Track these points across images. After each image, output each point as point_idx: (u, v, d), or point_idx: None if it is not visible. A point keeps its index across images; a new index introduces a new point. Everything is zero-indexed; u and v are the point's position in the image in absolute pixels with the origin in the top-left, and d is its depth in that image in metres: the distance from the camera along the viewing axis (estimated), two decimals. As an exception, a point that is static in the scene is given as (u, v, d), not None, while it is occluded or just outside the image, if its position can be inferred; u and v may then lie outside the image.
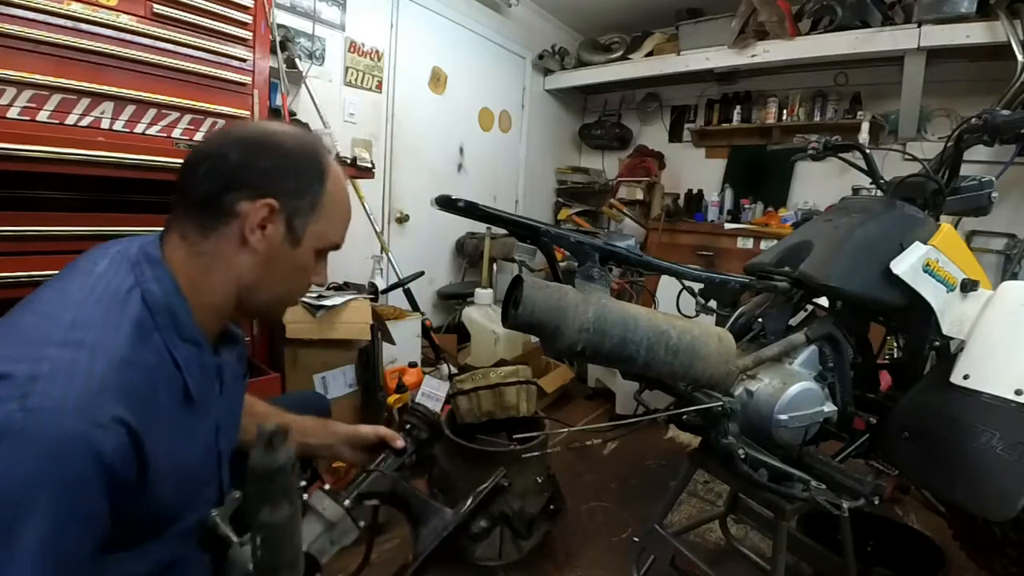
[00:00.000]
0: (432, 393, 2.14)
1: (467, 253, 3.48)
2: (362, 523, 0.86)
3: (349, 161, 2.05)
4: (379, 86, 2.88)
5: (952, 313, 1.20)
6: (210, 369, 0.71)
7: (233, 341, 0.79)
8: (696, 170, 4.07)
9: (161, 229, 0.69)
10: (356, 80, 2.76)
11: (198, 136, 1.51)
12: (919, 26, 2.60)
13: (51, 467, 0.49)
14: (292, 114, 2.13)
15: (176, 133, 1.47)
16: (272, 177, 0.67)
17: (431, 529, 0.92)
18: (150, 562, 0.70)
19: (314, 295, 1.89)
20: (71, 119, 1.27)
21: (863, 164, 1.48)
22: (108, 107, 1.32)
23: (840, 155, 1.54)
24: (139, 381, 0.58)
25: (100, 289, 0.60)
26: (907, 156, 1.85)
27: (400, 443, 0.98)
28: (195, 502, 0.75)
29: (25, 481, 0.48)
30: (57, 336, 0.55)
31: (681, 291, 1.29)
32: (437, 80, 3.28)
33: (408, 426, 1.01)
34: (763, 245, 3.17)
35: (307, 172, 0.70)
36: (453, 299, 3.32)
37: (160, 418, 0.61)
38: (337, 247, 0.78)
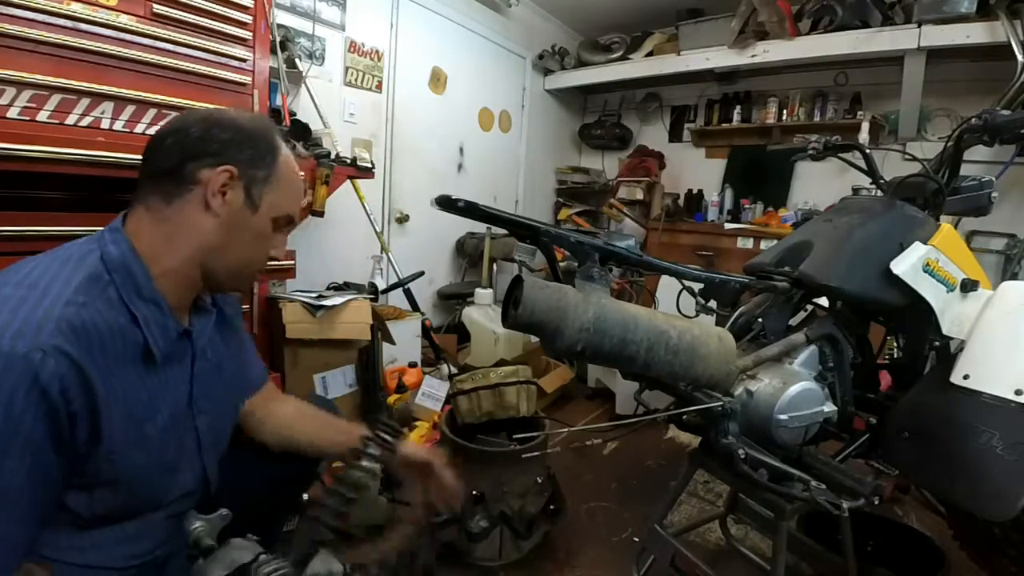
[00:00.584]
0: (432, 393, 2.15)
1: (467, 253, 3.48)
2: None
3: (349, 161, 2.05)
4: (379, 86, 2.88)
5: (952, 313, 1.20)
6: (172, 332, 0.73)
7: (204, 310, 0.82)
8: (696, 170, 4.07)
9: None
10: (356, 80, 2.76)
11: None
12: (919, 26, 2.60)
13: None
14: (292, 114, 2.13)
15: (176, 133, 1.46)
16: (230, 148, 0.72)
17: None
18: (141, 548, 0.72)
19: (314, 295, 1.89)
20: (71, 119, 1.27)
21: (863, 164, 1.48)
22: (108, 107, 1.32)
23: (840, 155, 1.54)
24: (88, 323, 0.61)
25: (62, 253, 0.67)
26: (907, 156, 1.85)
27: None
28: (169, 485, 0.76)
29: None
30: (12, 280, 0.61)
31: (681, 291, 1.29)
32: (437, 80, 3.28)
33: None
34: (763, 245, 3.17)
35: (261, 146, 0.76)
36: (453, 299, 3.32)
37: (114, 366, 0.64)
38: (292, 220, 0.82)
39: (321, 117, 2.26)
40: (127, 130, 1.36)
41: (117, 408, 0.63)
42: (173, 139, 0.72)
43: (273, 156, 0.76)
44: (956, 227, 1.33)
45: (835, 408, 1.16)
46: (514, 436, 1.31)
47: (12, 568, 0.57)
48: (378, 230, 2.60)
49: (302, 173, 0.84)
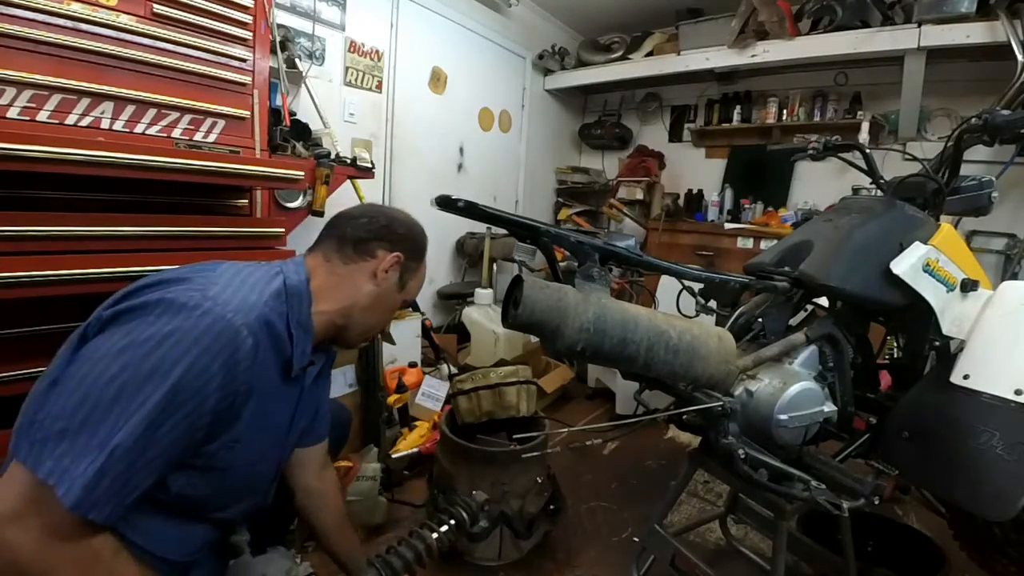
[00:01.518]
0: (432, 393, 2.15)
1: (467, 253, 3.48)
2: None
3: (349, 161, 2.05)
4: (379, 86, 2.88)
5: (952, 313, 1.20)
6: (306, 358, 0.86)
7: (325, 352, 0.98)
8: (696, 170, 4.07)
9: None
10: (356, 80, 2.76)
11: (198, 136, 1.51)
12: (919, 26, 2.60)
13: (202, 338, 0.65)
14: (292, 114, 2.13)
15: (176, 133, 1.46)
16: (403, 240, 0.94)
17: None
18: (184, 548, 0.79)
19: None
20: (71, 119, 1.27)
21: (863, 164, 1.48)
22: (108, 107, 1.32)
23: (840, 155, 1.54)
24: (271, 323, 0.75)
25: (258, 269, 0.82)
26: (907, 156, 1.85)
27: None
28: (248, 491, 0.85)
29: (183, 340, 0.64)
30: (227, 275, 0.76)
31: (681, 291, 1.29)
32: (437, 80, 3.28)
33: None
34: (763, 245, 3.17)
35: (419, 244, 0.99)
36: (453, 299, 3.31)
37: (270, 365, 0.77)
38: (411, 303, 1.07)
39: (321, 117, 2.26)
40: (127, 130, 1.36)
41: (257, 402, 0.75)
42: (366, 219, 0.93)
43: (423, 255, 1.00)
44: (956, 227, 1.33)
45: (835, 408, 1.16)
46: (514, 436, 1.31)
47: (119, 514, 0.63)
48: (378, 230, 2.59)
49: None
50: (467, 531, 1.08)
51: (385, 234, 0.93)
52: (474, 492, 1.14)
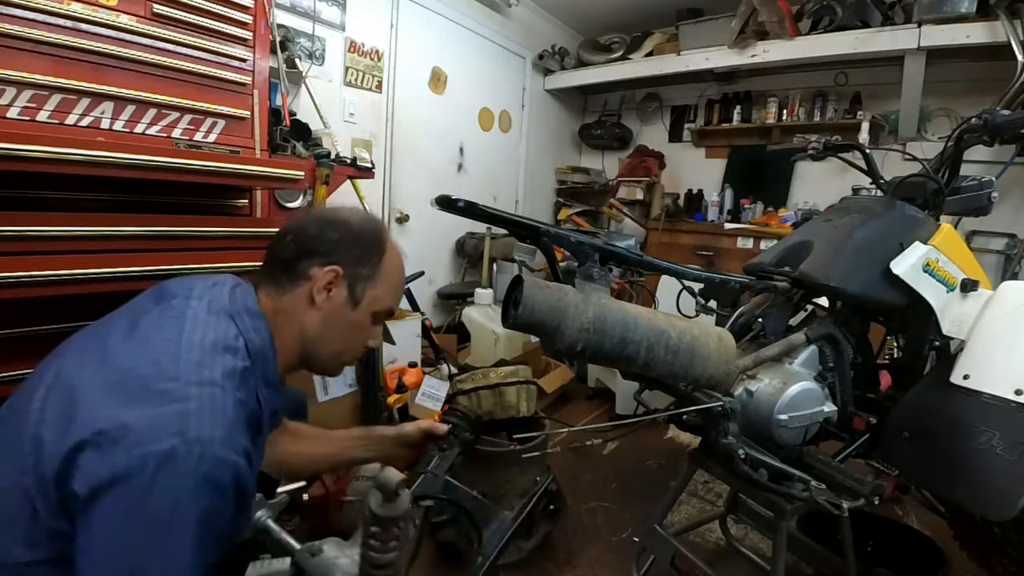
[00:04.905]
0: (432, 393, 2.15)
1: (467, 253, 3.48)
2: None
3: (349, 161, 2.05)
4: (379, 86, 2.88)
5: (952, 313, 1.20)
6: (274, 408, 0.80)
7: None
8: (696, 170, 4.07)
9: (232, 276, 0.82)
10: (356, 80, 2.76)
11: (198, 136, 1.51)
12: (919, 26, 2.60)
13: (205, 488, 0.60)
14: (292, 114, 2.12)
15: (176, 133, 1.46)
16: (339, 248, 0.80)
17: (494, 531, 0.98)
18: None
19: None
20: (71, 119, 1.27)
21: (863, 164, 1.48)
22: (108, 107, 1.32)
23: (840, 155, 1.54)
24: (248, 415, 0.69)
25: (211, 334, 0.70)
26: (907, 156, 1.85)
27: (443, 428, 1.06)
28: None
29: (181, 499, 0.58)
30: (194, 376, 0.65)
31: (681, 291, 1.29)
32: (437, 80, 3.28)
33: (451, 426, 1.05)
34: (763, 245, 3.17)
35: (368, 246, 0.82)
36: (453, 299, 3.31)
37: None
38: (391, 312, 0.88)
39: (321, 117, 2.26)
40: (127, 130, 1.36)
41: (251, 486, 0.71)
42: (292, 236, 0.80)
43: (379, 256, 0.83)
44: (956, 227, 1.33)
45: (835, 408, 1.16)
46: (514, 436, 1.31)
47: None
48: (378, 230, 2.59)
49: (402, 262, 0.92)
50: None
51: (314, 247, 0.79)
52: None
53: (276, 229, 1.63)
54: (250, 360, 0.71)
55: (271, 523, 0.85)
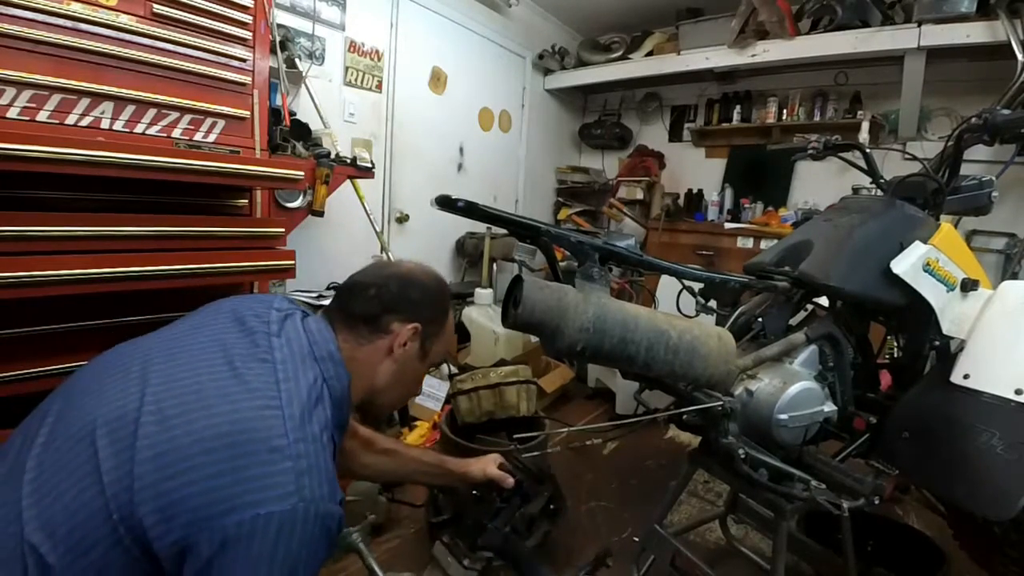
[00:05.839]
0: (432, 393, 2.15)
1: (467, 253, 3.48)
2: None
3: (349, 161, 2.05)
4: (379, 86, 2.88)
5: (952, 313, 1.20)
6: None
7: None
8: (696, 170, 4.07)
9: (319, 318, 0.85)
10: (356, 80, 2.76)
11: (198, 136, 1.51)
12: (919, 26, 2.60)
13: (322, 541, 0.63)
14: (292, 114, 2.13)
15: (176, 133, 1.46)
16: (419, 307, 0.87)
17: None
18: None
19: (314, 295, 1.89)
20: (71, 119, 1.27)
21: (863, 164, 1.47)
22: (108, 107, 1.32)
23: (840, 155, 1.54)
24: (334, 466, 0.71)
25: (304, 382, 0.71)
26: (907, 156, 1.85)
27: (510, 481, 1.14)
28: None
29: (301, 556, 0.61)
30: (299, 433, 0.65)
31: (681, 291, 1.29)
32: (437, 80, 3.28)
33: (517, 481, 1.11)
34: (763, 245, 3.17)
35: (439, 305, 0.92)
36: (453, 299, 3.30)
37: None
38: (440, 363, 0.99)
39: (321, 117, 2.26)
40: (127, 130, 1.36)
41: None
42: (375, 291, 0.85)
43: (445, 315, 0.92)
44: (956, 226, 1.33)
45: (835, 408, 1.16)
46: (514, 436, 1.31)
47: None
48: (378, 230, 2.59)
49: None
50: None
51: (398, 304, 0.85)
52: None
53: (276, 230, 1.65)
54: (331, 407, 0.74)
55: (362, 545, 0.88)
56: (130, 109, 1.36)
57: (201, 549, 0.57)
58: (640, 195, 3.93)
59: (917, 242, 1.18)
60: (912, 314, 1.23)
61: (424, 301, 0.88)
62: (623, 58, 3.89)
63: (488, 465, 1.14)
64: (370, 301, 0.85)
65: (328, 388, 0.74)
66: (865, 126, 2.99)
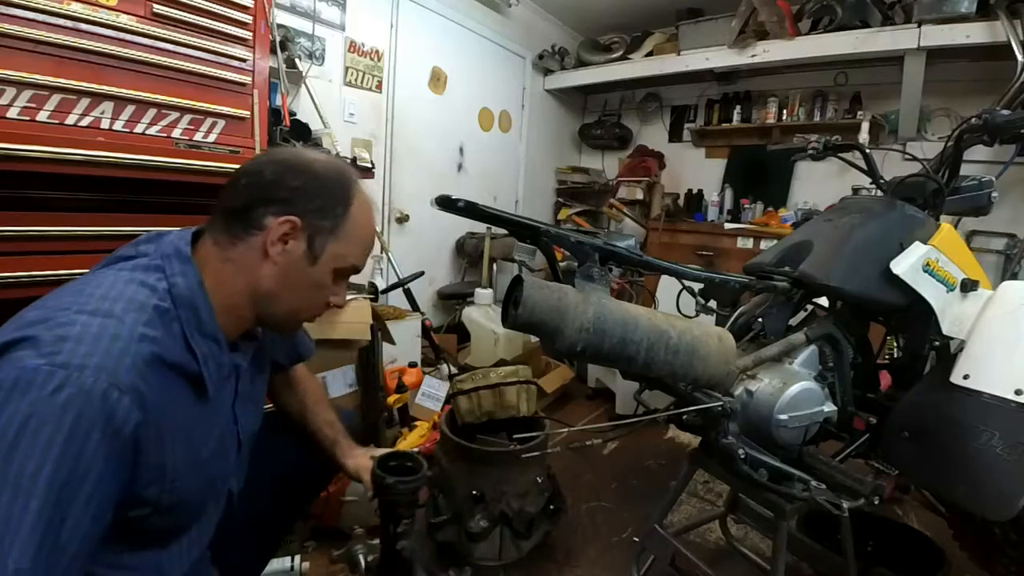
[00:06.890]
0: (432, 393, 2.15)
1: (467, 253, 3.48)
2: None
3: (349, 161, 2.05)
4: (379, 86, 2.88)
5: (952, 313, 1.20)
6: (227, 368, 0.74)
7: (252, 338, 0.82)
8: (696, 170, 4.07)
9: (192, 227, 0.74)
10: (356, 80, 2.76)
11: (198, 136, 1.51)
12: (919, 26, 2.60)
13: (66, 418, 0.52)
14: (292, 114, 2.13)
15: (176, 133, 1.46)
16: (299, 196, 0.71)
17: None
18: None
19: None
20: (71, 119, 1.27)
21: (863, 164, 1.48)
22: (108, 107, 1.32)
23: (840, 155, 1.54)
24: (157, 359, 0.61)
25: (127, 276, 0.65)
26: (907, 156, 1.85)
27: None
28: (212, 497, 0.79)
29: (40, 430, 0.51)
30: (89, 306, 0.59)
31: (681, 291, 1.29)
32: (437, 80, 3.28)
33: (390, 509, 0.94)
34: (763, 245, 3.17)
35: (333, 196, 0.73)
36: (453, 299, 3.31)
37: (176, 399, 0.65)
38: (356, 270, 0.80)
39: (321, 117, 2.26)
40: (127, 130, 1.36)
41: (179, 439, 0.65)
42: (247, 180, 0.72)
43: (344, 207, 0.74)
44: (956, 227, 1.33)
45: (835, 408, 1.16)
46: (514, 436, 1.31)
47: None
48: (378, 230, 2.60)
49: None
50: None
51: (271, 194, 0.70)
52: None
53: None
54: (172, 304, 0.65)
55: (361, 557, 0.88)
56: (130, 109, 1.36)
57: None
58: (640, 195, 3.93)
59: (917, 242, 1.18)
60: (912, 314, 1.23)
61: (307, 189, 0.71)
62: (623, 58, 3.89)
63: (362, 472, 0.98)
64: (241, 191, 0.71)
65: (170, 285, 0.65)
66: (865, 126, 2.99)
